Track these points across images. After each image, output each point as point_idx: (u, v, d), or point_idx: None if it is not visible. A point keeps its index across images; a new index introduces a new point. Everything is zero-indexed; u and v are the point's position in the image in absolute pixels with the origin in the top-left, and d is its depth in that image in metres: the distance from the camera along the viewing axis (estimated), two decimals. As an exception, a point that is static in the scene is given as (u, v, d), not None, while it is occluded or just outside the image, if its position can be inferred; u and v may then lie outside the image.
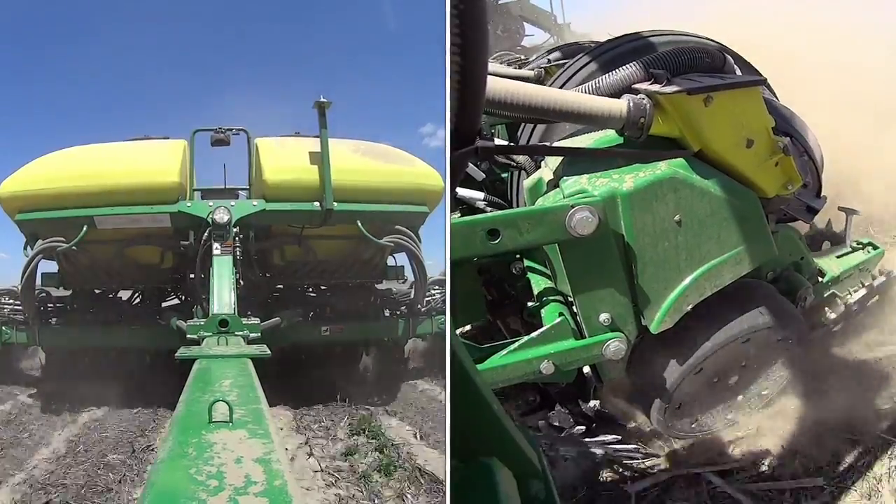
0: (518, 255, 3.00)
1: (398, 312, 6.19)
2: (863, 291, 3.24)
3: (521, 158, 3.01)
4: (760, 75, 2.67)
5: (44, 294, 5.68)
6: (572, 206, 2.18)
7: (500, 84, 2.13)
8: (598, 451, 2.96)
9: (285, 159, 5.26)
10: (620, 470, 3.08)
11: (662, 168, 2.31)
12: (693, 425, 2.88)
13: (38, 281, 5.35)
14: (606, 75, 2.38)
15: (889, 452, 2.87)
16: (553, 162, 2.59)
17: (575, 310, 2.48)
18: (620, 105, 2.24)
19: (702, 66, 2.42)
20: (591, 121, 2.26)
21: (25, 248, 5.17)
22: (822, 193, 2.82)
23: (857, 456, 2.91)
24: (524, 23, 13.76)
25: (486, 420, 1.08)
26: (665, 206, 2.30)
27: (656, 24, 3.06)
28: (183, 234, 5.30)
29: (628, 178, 2.29)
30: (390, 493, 3.41)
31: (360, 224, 5.14)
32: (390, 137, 6.84)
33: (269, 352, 3.18)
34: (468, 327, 3.43)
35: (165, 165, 5.05)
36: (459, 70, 0.81)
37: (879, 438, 2.94)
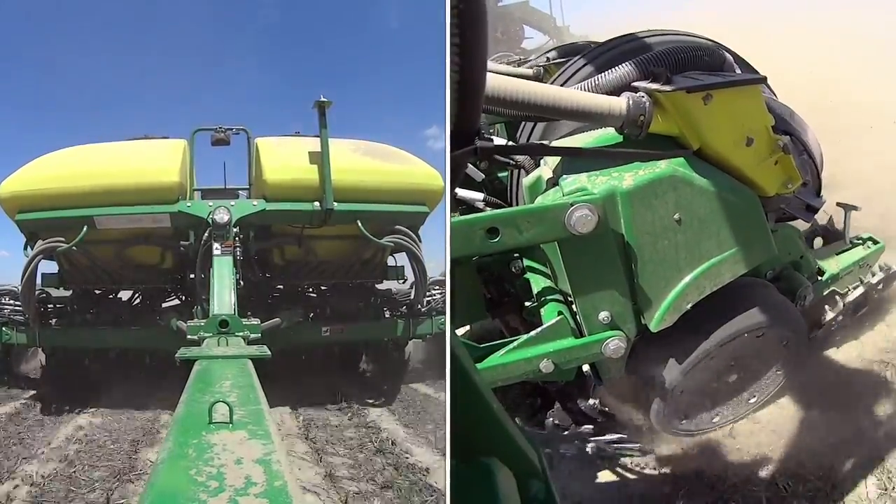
0: (517, 255, 3.00)
1: (398, 313, 6.18)
2: (862, 289, 3.23)
3: (520, 157, 3.01)
4: (759, 74, 2.67)
5: (44, 294, 5.67)
6: (572, 204, 2.17)
7: (499, 81, 2.13)
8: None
9: (285, 159, 5.26)
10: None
11: (662, 166, 2.31)
12: (691, 424, 2.88)
13: (39, 281, 5.35)
14: (605, 73, 2.38)
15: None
16: (552, 160, 2.58)
17: (574, 308, 2.47)
18: (620, 103, 2.23)
19: (701, 64, 2.41)
20: (590, 118, 2.26)
21: (25, 249, 5.16)
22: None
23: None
24: (524, 25, 13.79)
25: (486, 420, 1.07)
26: (665, 205, 2.30)
27: (655, 27, 3.06)
28: (183, 234, 5.30)
29: (628, 177, 2.29)
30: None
31: (360, 224, 5.14)
32: (394, 140, 6.82)
33: (269, 352, 3.17)
34: (467, 327, 3.42)
35: (165, 165, 5.05)
36: (459, 70, 0.81)
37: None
